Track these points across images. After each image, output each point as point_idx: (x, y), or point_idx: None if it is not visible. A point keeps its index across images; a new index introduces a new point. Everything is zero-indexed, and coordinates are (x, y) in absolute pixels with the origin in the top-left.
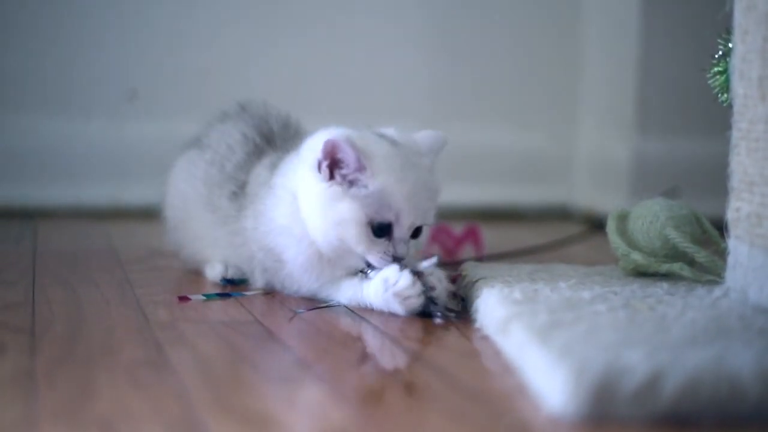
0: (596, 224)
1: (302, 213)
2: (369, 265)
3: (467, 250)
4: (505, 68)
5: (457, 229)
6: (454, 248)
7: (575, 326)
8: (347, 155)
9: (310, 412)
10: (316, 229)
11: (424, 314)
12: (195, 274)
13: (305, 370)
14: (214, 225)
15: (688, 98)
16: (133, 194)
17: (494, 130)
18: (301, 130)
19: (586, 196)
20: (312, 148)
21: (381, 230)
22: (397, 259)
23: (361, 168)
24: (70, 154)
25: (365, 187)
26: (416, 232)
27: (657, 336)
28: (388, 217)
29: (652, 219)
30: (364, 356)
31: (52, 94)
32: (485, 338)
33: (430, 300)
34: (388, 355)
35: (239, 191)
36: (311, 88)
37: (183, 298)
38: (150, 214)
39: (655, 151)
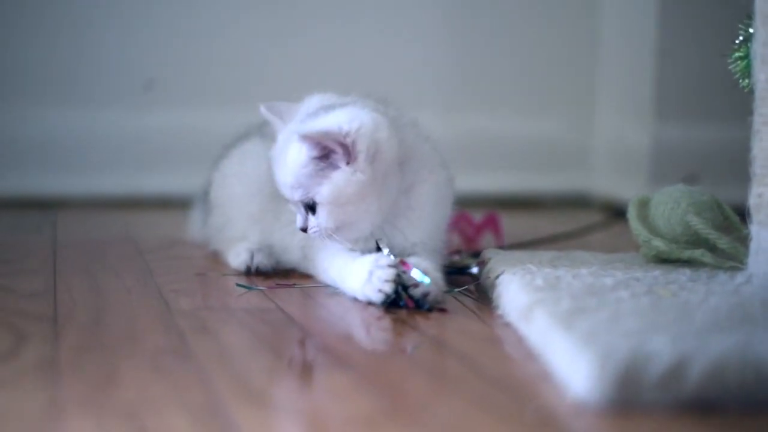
0: (616, 212)
1: None
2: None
3: (487, 238)
4: (523, 55)
5: (477, 217)
6: (474, 236)
7: (598, 313)
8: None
9: (335, 399)
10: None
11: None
12: (215, 261)
13: (328, 357)
14: (271, 206)
15: (707, 83)
16: (152, 183)
17: (512, 118)
18: None
19: (604, 184)
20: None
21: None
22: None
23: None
24: (88, 145)
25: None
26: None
27: (681, 322)
28: None
29: (673, 205)
30: (387, 342)
31: (69, 85)
32: (508, 325)
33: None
34: (411, 342)
35: None
36: (326, 77)
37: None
38: (168, 203)
39: (674, 137)
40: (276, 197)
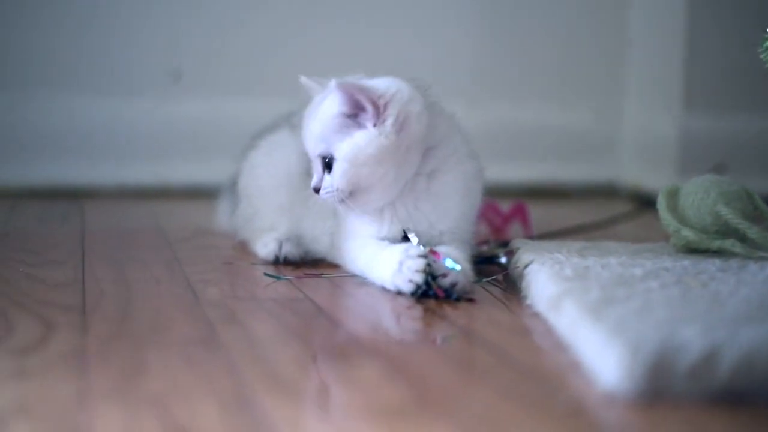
0: (644, 201)
1: None
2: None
3: (515, 228)
4: (551, 45)
5: (505, 206)
6: (502, 226)
7: (628, 303)
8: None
9: (363, 389)
10: None
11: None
12: (243, 251)
13: (357, 347)
14: (301, 195)
15: (735, 74)
16: (178, 173)
17: (540, 108)
18: None
19: (632, 174)
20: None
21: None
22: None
23: None
24: (115, 134)
25: None
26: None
27: (711, 313)
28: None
29: (702, 195)
30: (416, 333)
31: (97, 74)
32: (536, 315)
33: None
34: (439, 332)
35: None
36: (354, 66)
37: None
38: (195, 192)
39: (702, 127)
40: (305, 186)
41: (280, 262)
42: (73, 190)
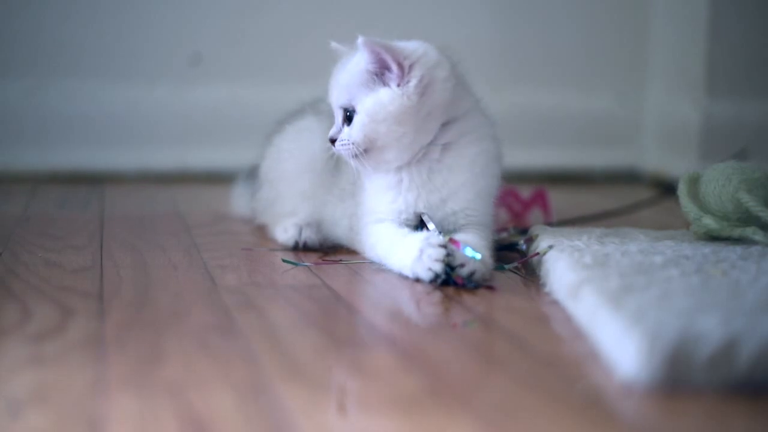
0: (665, 188)
1: None
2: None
3: (535, 215)
4: (573, 30)
5: (525, 193)
6: (522, 212)
7: (648, 291)
8: None
9: (381, 377)
10: None
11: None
12: (262, 237)
13: (374, 335)
14: (324, 182)
15: (758, 59)
16: (199, 158)
17: (561, 93)
18: None
19: (654, 159)
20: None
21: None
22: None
23: None
24: (135, 119)
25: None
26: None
27: (731, 302)
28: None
29: (724, 182)
30: (433, 320)
31: (117, 60)
32: (555, 303)
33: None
34: (457, 319)
35: None
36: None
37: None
38: (215, 178)
39: (724, 113)
40: (328, 172)
41: (299, 248)
42: (95, 174)
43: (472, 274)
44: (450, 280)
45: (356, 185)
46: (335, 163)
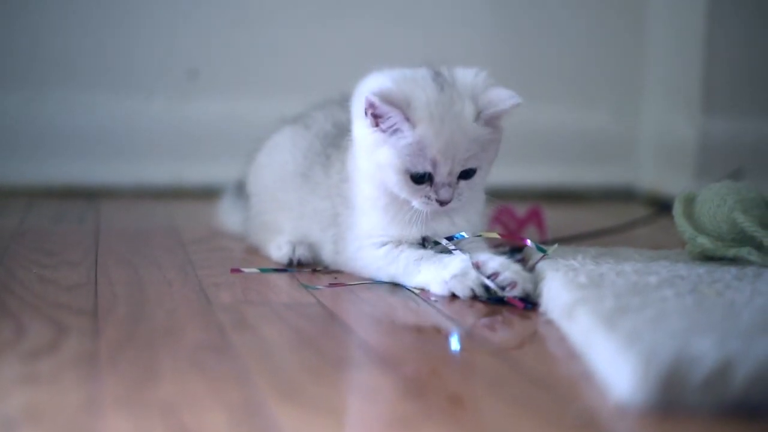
0: (661, 206)
1: (355, 153)
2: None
3: (530, 232)
4: (569, 47)
5: (520, 210)
6: (517, 230)
7: (642, 312)
8: (384, 111)
9: (375, 398)
10: (364, 171)
11: (491, 299)
12: (257, 254)
13: (369, 355)
14: (304, 193)
15: (754, 77)
16: (195, 173)
17: (557, 110)
18: None
19: (650, 177)
20: (360, 93)
21: (420, 178)
22: (441, 203)
23: (401, 119)
24: (132, 133)
25: (405, 137)
26: (466, 175)
27: (726, 323)
28: (424, 167)
29: (719, 202)
30: (428, 340)
31: (114, 73)
32: (550, 323)
33: (488, 288)
34: (451, 339)
35: (327, 158)
36: (368, 67)
37: (235, 270)
38: (211, 193)
39: (721, 131)
40: (300, 188)
41: (294, 265)
42: (90, 189)
43: (513, 285)
44: (495, 298)
45: (347, 208)
46: (323, 162)
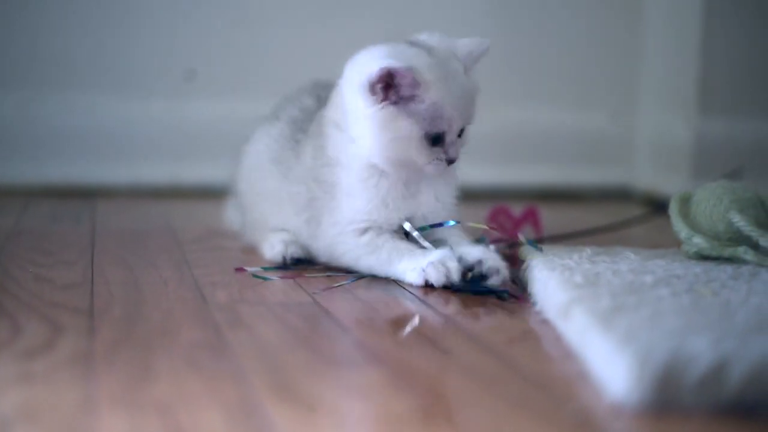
0: (658, 206)
1: (353, 134)
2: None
3: (526, 232)
4: (566, 48)
5: (516, 210)
6: (513, 230)
7: (638, 311)
8: (405, 78)
9: (371, 397)
10: (371, 149)
11: (465, 290)
12: (253, 253)
13: (364, 353)
14: (278, 179)
15: (751, 78)
16: (192, 173)
17: (554, 111)
18: None
19: (646, 177)
20: (359, 70)
21: (436, 139)
22: (450, 161)
23: (416, 85)
24: (129, 134)
25: (422, 101)
26: (461, 132)
27: (722, 322)
28: (442, 127)
29: (715, 202)
30: (424, 339)
31: (111, 73)
32: (545, 322)
33: (477, 277)
34: (447, 338)
35: (297, 143)
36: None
37: (239, 270)
38: (209, 193)
39: (717, 131)
40: (277, 171)
41: (288, 263)
42: (87, 189)
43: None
44: (473, 288)
45: (326, 192)
46: (292, 145)
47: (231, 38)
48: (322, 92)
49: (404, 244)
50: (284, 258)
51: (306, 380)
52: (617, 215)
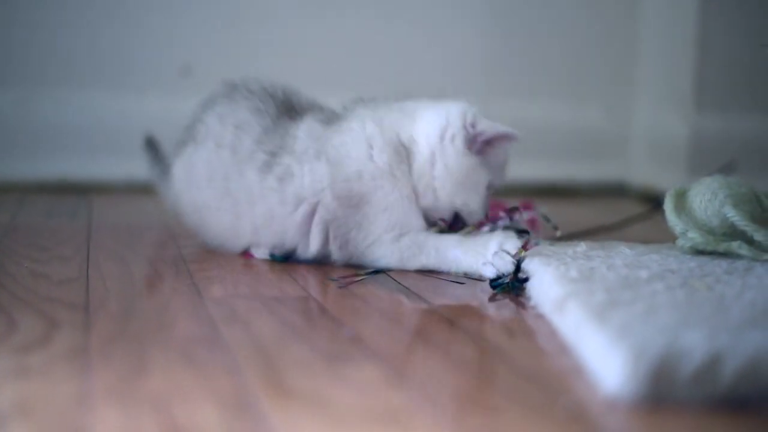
0: (654, 202)
1: (435, 174)
2: (451, 225)
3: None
4: (562, 43)
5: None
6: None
7: (633, 306)
8: (494, 131)
9: (365, 391)
10: (446, 187)
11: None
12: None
13: (359, 348)
14: (246, 206)
15: (746, 74)
16: None
17: (550, 106)
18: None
19: (642, 173)
20: (452, 121)
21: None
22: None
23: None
24: (125, 129)
25: (498, 154)
26: None
27: (716, 317)
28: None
29: (710, 197)
30: (418, 333)
31: (107, 69)
32: (540, 317)
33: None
34: (441, 333)
35: (271, 159)
36: (364, 65)
37: (247, 255)
38: None
39: (713, 127)
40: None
41: (277, 260)
42: (83, 184)
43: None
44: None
45: (350, 207)
46: (260, 167)
47: (226, 34)
48: (266, 106)
49: (444, 237)
50: (273, 255)
51: (301, 375)
52: (613, 211)
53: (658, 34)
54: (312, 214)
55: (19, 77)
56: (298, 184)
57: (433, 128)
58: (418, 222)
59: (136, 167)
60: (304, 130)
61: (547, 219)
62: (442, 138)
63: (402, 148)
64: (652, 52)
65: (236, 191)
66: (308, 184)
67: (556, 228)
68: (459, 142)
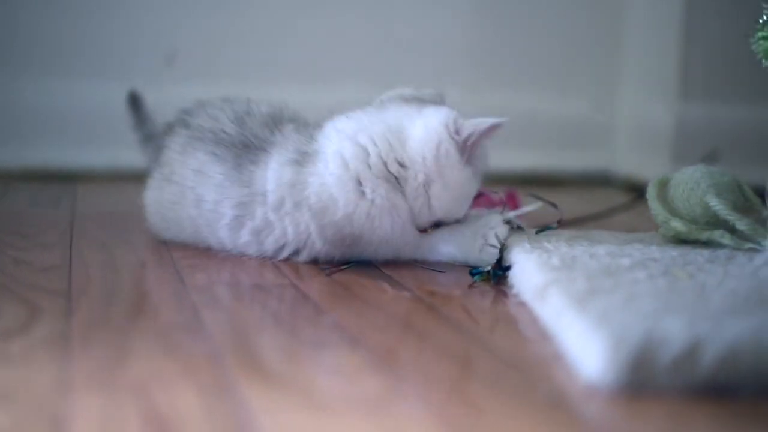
0: (638, 191)
1: (431, 194)
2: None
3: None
4: (547, 33)
5: (496, 195)
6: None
7: (614, 293)
8: (481, 129)
9: (346, 377)
10: (443, 204)
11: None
12: None
13: (340, 335)
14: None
15: (731, 64)
16: None
17: (535, 96)
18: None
19: (627, 162)
20: (442, 138)
21: None
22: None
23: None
24: (109, 117)
25: (483, 159)
26: None
27: (697, 305)
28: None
29: (693, 186)
30: (400, 320)
31: (91, 56)
32: (522, 304)
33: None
34: (424, 320)
35: (241, 214)
36: (350, 54)
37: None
38: None
39: (697, 117)
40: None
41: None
42: (67, 172)
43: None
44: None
45: None
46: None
47: (212, 21)
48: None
49: (435, 234)
50: None
51: (282, 362)
52: (598, 200)
53: (643, 23)
54: (297, 253)
55: (2, 64)
56: (279, 234)
57: (428, 149)
58: (415, 236)
59: (121, 155)
60: (274, 179)
61: (553, 205)
62: (437, 159)
63: (392, 177)
64: (637, 42)
65: (206, 239)
66: (291, 233)
67: (558, 221)
68: (453, 156)
